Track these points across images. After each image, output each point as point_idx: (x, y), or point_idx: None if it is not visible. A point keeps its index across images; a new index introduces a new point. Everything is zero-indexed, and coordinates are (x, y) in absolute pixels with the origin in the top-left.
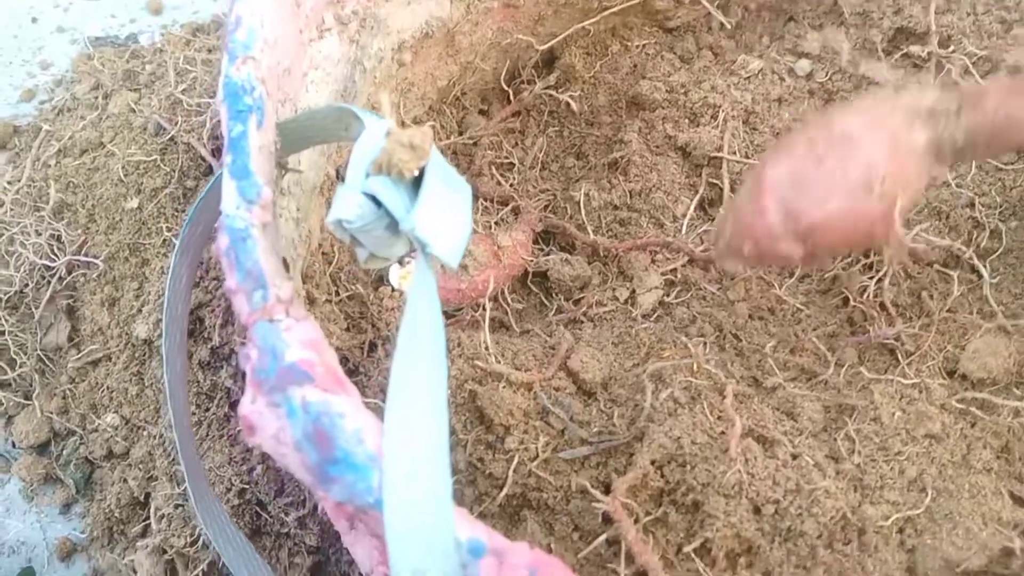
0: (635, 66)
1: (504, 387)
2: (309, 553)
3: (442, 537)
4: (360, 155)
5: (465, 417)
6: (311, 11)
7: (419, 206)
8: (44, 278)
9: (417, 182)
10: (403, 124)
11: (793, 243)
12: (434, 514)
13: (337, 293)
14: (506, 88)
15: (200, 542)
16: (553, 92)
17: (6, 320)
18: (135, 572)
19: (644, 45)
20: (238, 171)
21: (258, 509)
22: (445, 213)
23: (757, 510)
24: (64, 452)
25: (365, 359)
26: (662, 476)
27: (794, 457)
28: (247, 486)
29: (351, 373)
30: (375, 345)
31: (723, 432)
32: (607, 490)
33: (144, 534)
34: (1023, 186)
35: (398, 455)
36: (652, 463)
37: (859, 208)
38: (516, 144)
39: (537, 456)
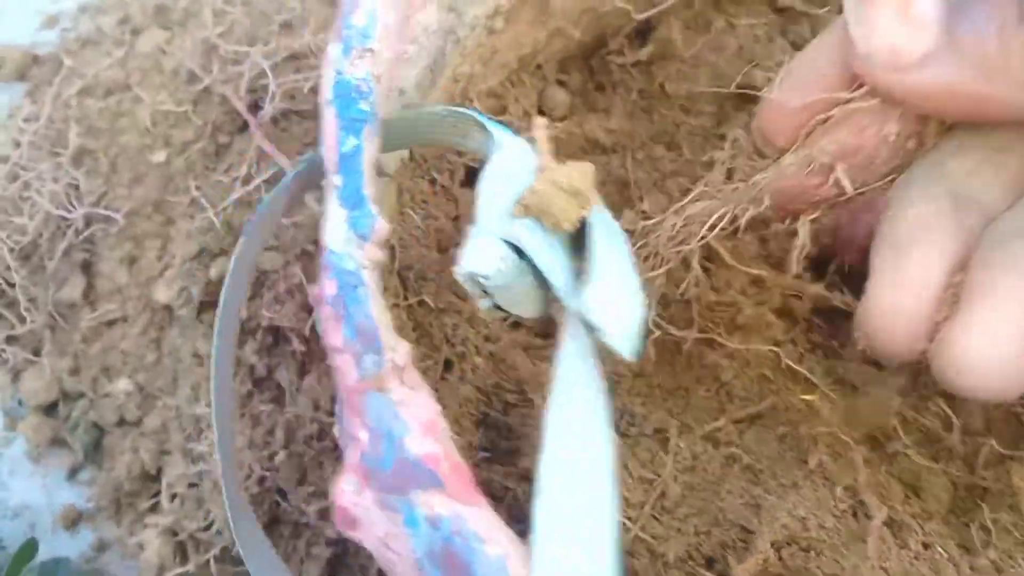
0: (741, 48)
1: None
2: (328, 544)
3: None
4: (498, 188)
5: None
6: None
7: (592, 281)
8: (60, 229)
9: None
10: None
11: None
12: None
13: (406, 297)
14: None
15: (214, 528)
16: (645, 67)
17: (18, 272)
18: (142, 550)
19: (753, 25)
20: (351, 199)
21: (278, 498)
22: (618, 288)
23: None
24: (73, 414)
25: (439, 381)
26: (780, 559)
27: (926, 547)
28: (267, 472)
29: None
30: (451, 363)
31: (847, 510)
32: (709, 565)
33: (153, 510)
34: None
35: None
36: (772, 545)
37: None
38: (597, 124)
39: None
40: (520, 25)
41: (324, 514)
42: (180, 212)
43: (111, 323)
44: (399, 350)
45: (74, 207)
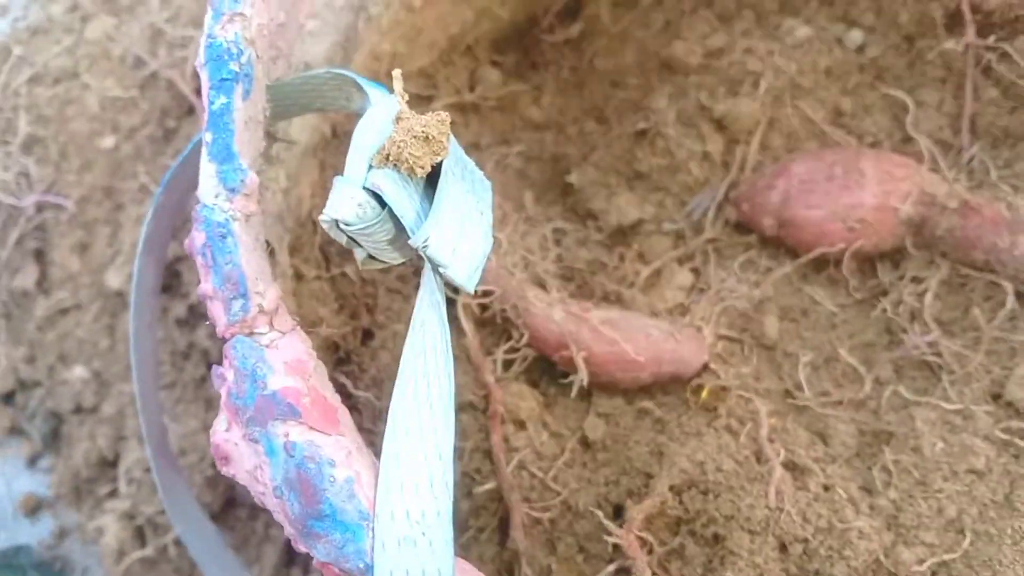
0: (668, 23)
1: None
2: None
3: None
4: (363, 141)
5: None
6: None
7: (433, 218)
8: (11, 217)
9: (430, 178)
10: (411, 104)
11: (773, 221)
12: None
13: (328, 269)
14: (523, 38)
15: None
16: (576, 44)
17: None
18: (102, 535)
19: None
20: (219, 153)
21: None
22: (464, 227)
23: (784, 548)
24: (30, 403)
25: (359, 347)
26: (681, 503)
27: (826, 489)
28: None
29: (342, 362)
30: (371, 332)
31: (750, 456)
32: (617, 512)
33: (113, 495)
34: None
35: (394, 515)
36: (671, 489)
37: (828, 228)
38: (532, 102)
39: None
40: (442, 4)
41: None
42: (129, 198)
43: (65, 311)
44: (267, 295)
45: (24, 195)
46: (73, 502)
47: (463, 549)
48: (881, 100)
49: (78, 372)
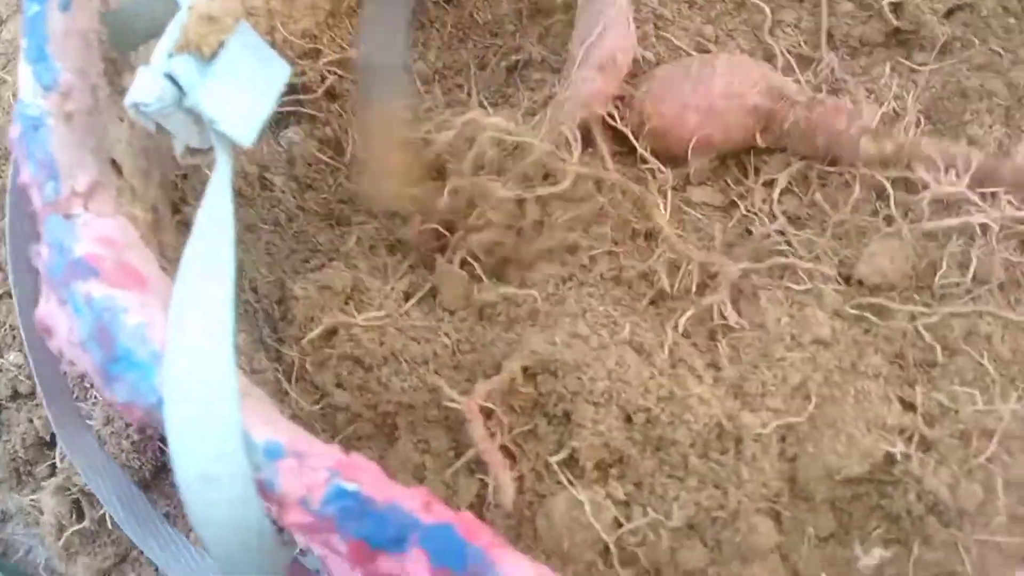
0: None
1: None
2: None
3: (229, 438)
4: (167, 36)
5: None
6: None
7: (206, 79)
8: None
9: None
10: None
11: (639, 120)
12: (220, 414)
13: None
14: None
15: None
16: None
17: None
18: (42, 513)
19: None
20: (33, 54)
21: (161, 444)
22: (242, 87)
23: (628, 419)
24: None
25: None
26: (535, 387)
27: (672, 366)
28: None
29: None
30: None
31: (598, 336)
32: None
33: (52, 474)
34: (935, 88)
35: (179, 352)
36: (524, 370)
37: (684, 119)
38: (418, 59)
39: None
40: None
41: None
42: None
43: None
44: (80, 179)
45: None
46: (14, 486)
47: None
48: (743, 25)
49: (12, 358)
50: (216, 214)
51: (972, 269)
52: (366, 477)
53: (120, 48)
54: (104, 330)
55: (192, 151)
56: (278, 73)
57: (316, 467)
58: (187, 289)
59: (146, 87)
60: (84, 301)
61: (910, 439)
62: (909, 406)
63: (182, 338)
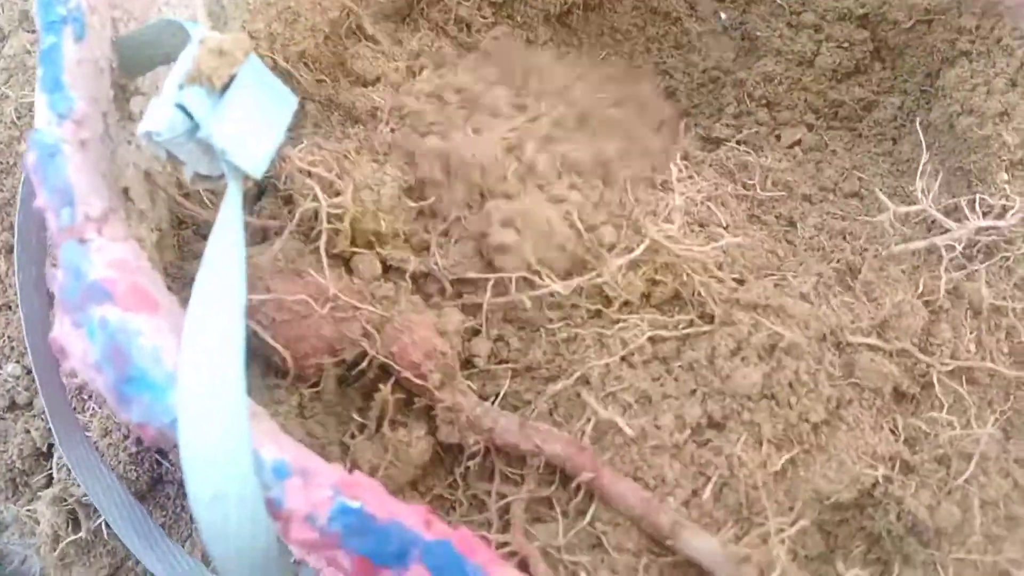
0: None
1: None
2: None
3: (240, 458)
4: (178, 67)
5: None
6: None
7: (218, 111)
8: None
9: None
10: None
11: None
12: (232, 435)
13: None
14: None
15: None
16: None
17: None
18: (38, 523)
19: None
20: (49, 84)
21: (158, 457)
22: (252, 119)
23: None
24: None
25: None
26: None
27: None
28: None
29: None
30: None
31: None
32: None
33: (48, 484)
34: None
35: (193, 374)
36: None
37: None
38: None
39: None
40: None
41: None
42: None
43: None
44: (94, 205)
45: None
46: (11, 496)
47: None
48: None
49: (10, 369)
50: (227, 242)
51: None
52: (368, 495)
53: (129, 74)
54: (119, 351)
55: (201, 177)
56: (286, 104)
57: (321, 484)
58: (200, 314)
59: (158, 117)
60: (99, 324)
61: (892, 463)
62: (891, 431)
63: (195, 361)
